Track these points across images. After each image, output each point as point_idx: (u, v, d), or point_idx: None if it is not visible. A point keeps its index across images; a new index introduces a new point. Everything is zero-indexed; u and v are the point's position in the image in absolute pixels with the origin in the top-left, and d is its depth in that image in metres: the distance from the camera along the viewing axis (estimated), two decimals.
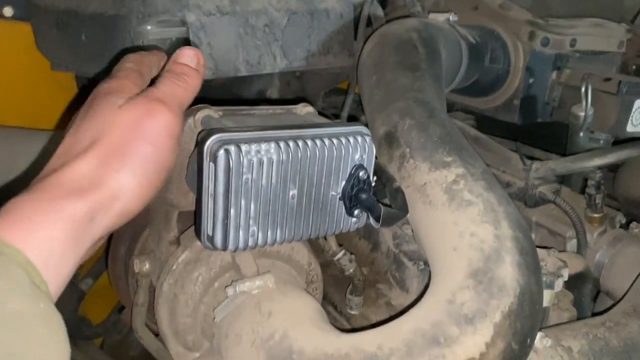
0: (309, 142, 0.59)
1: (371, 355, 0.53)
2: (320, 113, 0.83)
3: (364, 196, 0.62)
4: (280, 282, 0.66)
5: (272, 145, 0.57)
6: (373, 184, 0.64)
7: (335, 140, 0.61)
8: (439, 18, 1.02)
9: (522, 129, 1.19)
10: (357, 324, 0.80)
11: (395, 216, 0.65)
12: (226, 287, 0.64)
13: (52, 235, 0.40)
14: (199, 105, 0.65)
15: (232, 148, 0.55)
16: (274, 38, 0.96)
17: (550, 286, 0.70)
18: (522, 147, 1.03)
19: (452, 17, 1.02)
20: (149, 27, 0.88)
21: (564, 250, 0.88)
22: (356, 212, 0.63)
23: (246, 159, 0.56)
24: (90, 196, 0.44)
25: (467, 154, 0.69)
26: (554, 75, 1.11)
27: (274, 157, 0.57)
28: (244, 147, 0.55)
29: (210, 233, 0.58)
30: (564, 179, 1.04)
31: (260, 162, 0.57)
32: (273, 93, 1.32)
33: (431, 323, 0.55)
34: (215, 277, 0.68)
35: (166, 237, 0.70)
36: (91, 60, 0.91)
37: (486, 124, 1.22)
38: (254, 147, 0.56)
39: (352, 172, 0.62)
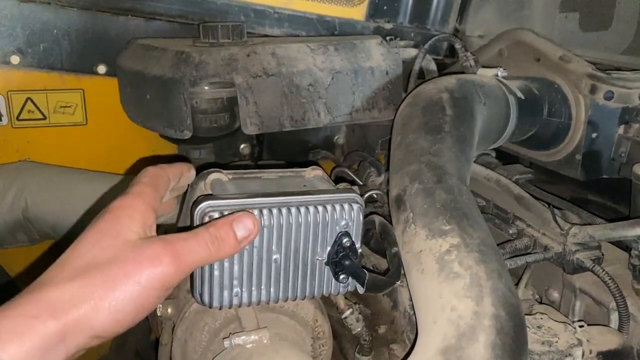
0: (293, 210, 0.63)
1: None
2: (342, 178, 0.85)
3: (347, 262, 0.64)
4: (276, 338, 0.70)
5: (255, 213, 0.62)
6: (359, 251, 0.66)
7: (320, 208, 0.64)
8: (487, 73, 1.01)
9: (593, 183, 1.12)
10: None
11: (382, 283, 0.66)
12: (224, 338, 0.69)
13: (20, 350, 0.44)
14: (211, 170, 0.71)
15: (216, 215, 0.60)
16: (318, 96, 1.01)
17: None
18: (572, 208, 0.97)
19: (501, 73, 1.01)
20: (201, 88, 0.98)
21: (601, 324, 0.82)
22: (342, 276, 0.65)
23: None
24: (64, 318, 0.46)
25: (468, 222, 0.69)
26: (621, 129, 1.04)
27: None
28: (226, 214, 0.61)
29: (200, 290, 0.63)
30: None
31: None
32: (340, 139, 1.37)
33: None
34: (220, 328, 0.73)
35: (184, 286, 0.77)
36: (153, 117, 1.03)
37: (559, 177, 1.16)
38: None
39: (337, 238, 0.64)
